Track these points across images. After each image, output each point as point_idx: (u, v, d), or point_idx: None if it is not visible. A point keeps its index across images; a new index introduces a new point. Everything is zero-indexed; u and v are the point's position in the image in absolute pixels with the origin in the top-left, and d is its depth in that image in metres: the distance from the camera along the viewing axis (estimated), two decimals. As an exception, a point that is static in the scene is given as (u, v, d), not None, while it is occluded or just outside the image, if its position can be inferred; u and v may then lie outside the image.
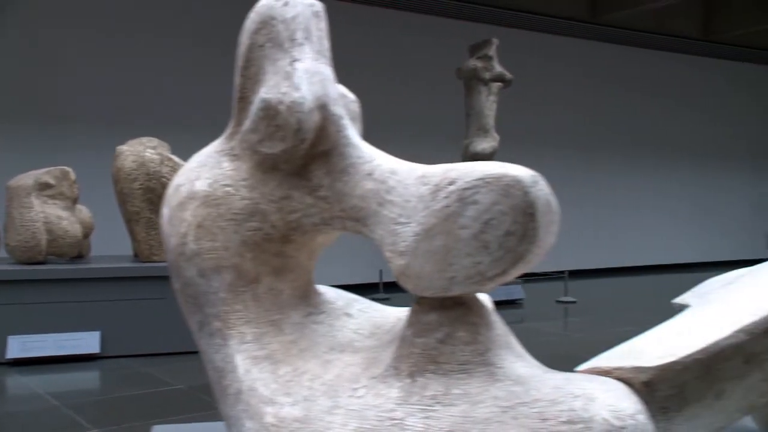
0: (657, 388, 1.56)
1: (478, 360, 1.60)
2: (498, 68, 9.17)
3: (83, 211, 6.47)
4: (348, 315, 1.99)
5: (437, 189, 1.60)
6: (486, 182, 1.55)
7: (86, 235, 6.47)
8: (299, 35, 1.80)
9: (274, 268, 1.85)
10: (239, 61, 1.83)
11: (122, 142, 6.24)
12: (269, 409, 1.65)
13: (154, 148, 6.13)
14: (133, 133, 6.48)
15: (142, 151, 6.07)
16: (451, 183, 1.59)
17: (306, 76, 1.76)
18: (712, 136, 14.81)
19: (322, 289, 2.05)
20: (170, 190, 1.87)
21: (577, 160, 12.79)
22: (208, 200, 1.79)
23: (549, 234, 1.59)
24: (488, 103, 9.17)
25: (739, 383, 1.65)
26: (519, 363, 1.63)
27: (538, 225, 1.53)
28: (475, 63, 9.13)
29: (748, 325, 1.62)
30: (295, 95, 1.72)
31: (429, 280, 1.59)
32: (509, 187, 1.53)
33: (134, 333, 5.80)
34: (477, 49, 9.25)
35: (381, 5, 10.90)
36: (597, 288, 11.26)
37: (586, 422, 1.44)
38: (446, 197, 1.58)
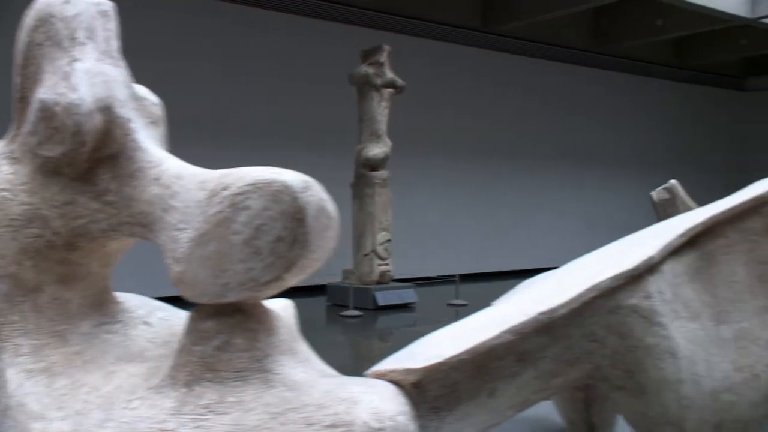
0: (427, 389, 1.58)
1: (256, 367, 1.58)
2: (389, 74, 9.25)
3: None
4: (147, 323, 1.93)
5: (212, 194, 1.58)
6: (257, 188, 1.54)
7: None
8: (81, 34, 1.73)
9: (60, 277, 1.77)
10: (17, 59, 1.75)
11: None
12: (37, 425, 1.58)
13: None
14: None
15: None
16: (224, 188, 1.57)
17: (86, 76, 1.69)
18: (603, 143, 15.46)
19: (124, 297, 1.98)
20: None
21: (469, 166, 13.05)
22: (-18, 205, 1.70)
23: (324, 239, 1.59)
24: (380, 108, 9.24)
25: (513, 381, 1.70)
26: (299, 368, 1.62)
27: (309, 231, 1.52)
28: (366, 69, 9.18)
29: (515, 326, 1.67)
30: (72, 96, 1.66)
31: (204, 286, 1.56)
32: (279, 193, 1.52)
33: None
34: (369, 55, 9.30)
35: (272, 9, 10.78)
36: (488, 291, 11.49)
37: (347, 425, 1.45)
38: (220, 202, 1.56)
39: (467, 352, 1.61)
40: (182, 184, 1.68)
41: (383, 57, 9.19)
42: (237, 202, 1.54)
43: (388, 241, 9.37)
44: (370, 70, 9.15)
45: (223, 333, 1.60)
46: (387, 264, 9.34)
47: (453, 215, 12.56)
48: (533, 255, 14.05)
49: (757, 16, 12.33)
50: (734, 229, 1.89)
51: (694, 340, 1.81)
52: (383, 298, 9.05)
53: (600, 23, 14.50)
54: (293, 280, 1.60)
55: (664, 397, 1.78)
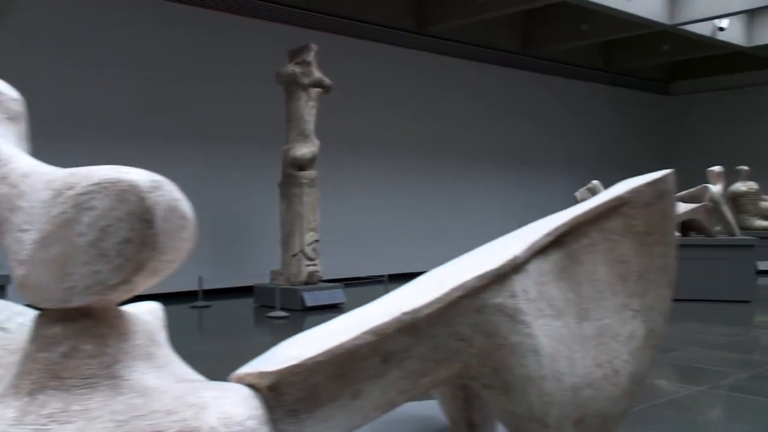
0: (284, 392, 1.56)
1: (104, 373, 1.53)
2: (317, 74, 9.21)
3: None
4: (3, 329, 1.85)
5: (57, 194, 1.51)
6: (102, 187, 1.49)
7: None
8: None
9: None
10: None
11: None
12: None
13: None
14: None
15: None
16: (69, 188, 1.51)
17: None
18: (534, 144, 15.77)
19: (-18, 302, 1.90)
20: None
21: (399, 166, 13.10)
22: None
23: (178, 240, 1.55)
24: (308, 108, 9.19)
25: (378, 382, 1.70)
26: (152, 374, 1.58)
27: (158, 232, 1.48)
28: (293, 68, 9.11)
29: (376, 326, 1.67)
30: None
31: (48, 290, 1.50)
32: (125, 193, 1.47)
33: None
34: (296, 54, 9.23)
35: (196, 5, 10.58)
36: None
37: (194, 431, 1.42)
38: (63, 203, 1.49)
39: (325, 353, 1.59)
40: (30, 183, 1.61)
41: (310, 56, 9.14)
42: (81, 202, 1.49)
43: (317, 241, 9.32)
44: (297, 70, 9.08)
45: (70, 339, 1.55)
46: (315, 264, 9.30)
47: (382, 215, 12.59)
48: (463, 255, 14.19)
49: (675, 22, 12.78)
50: (597, 228, 1.94)
51: (557, 338, 1.84)
52: (311, 298, 9.00)
53: (529, 27, 14.78)
54: (145, 284, 1.55)
55: (528, 393, 1.80)
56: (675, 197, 1.99)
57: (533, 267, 1.87)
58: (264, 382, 1.54)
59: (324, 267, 9.55)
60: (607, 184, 12.65)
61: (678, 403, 4.71)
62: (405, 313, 1.70)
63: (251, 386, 1.57)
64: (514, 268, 1.84)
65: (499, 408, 1.88)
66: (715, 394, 4.93)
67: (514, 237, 2.06)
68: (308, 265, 9.22)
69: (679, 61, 17.83)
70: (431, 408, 2.41)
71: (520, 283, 1.83)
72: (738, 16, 13.74)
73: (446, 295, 1.76)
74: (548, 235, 1.91)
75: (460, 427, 2.24)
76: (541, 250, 1.90)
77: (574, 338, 1.85)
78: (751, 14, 14.04)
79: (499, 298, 1.80)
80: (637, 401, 2.05)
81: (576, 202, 10.91)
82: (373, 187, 12.62)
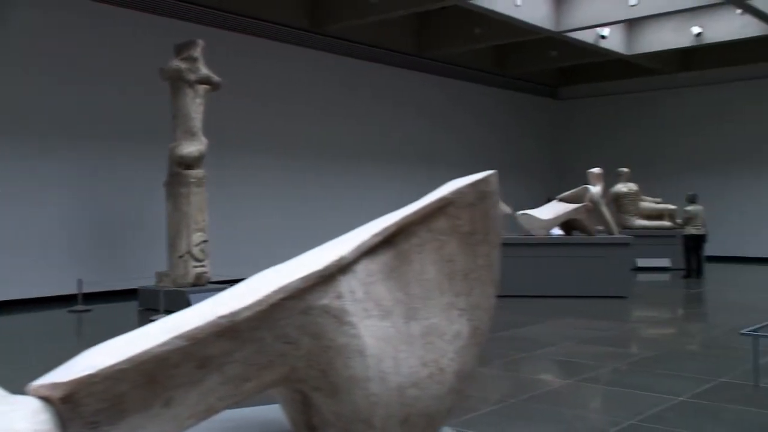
0: (81, 403, 1.48)
1: None
2: (204, 70, 8.97)
3: None
4: None
5: None
6: None
7: None
8: None
9: None
10: None
11: None
12: None
13: None
14: None
15: None
16: None
17: None
18: (430, 144, 16.01)
19: None
20: None
21: (289, 166, 12.87)
22: None
23: None
24: (194, 105, 8.93)
25: (193, 389, 1.64)
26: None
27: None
28: (179, 64, 8.84)
29: (189, 331, 1.62)
30: None
31: None
32: None
33: None
34: (182, 49, 8.96)
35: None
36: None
37: (-28, 449, 1.32)
38: None
39: (127, 361, 1.52)
40: None
41: (197, 52, 8.90)
42: None
43: (205, 242, 9.09)
44: (183, 65, 8.82)
45: None
46: (203, 266, 9.06)
47: (273, 215, 12.44)
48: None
49: (561, 29, 13.31)
50: (425, 228, 1.96)
51: (383, 338, 1.85)
52: (198, 300, 8.73)
53: (424, 29, 15.01)
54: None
55: (354, 395, 1.80)
56: (497, 198, 2.04)
57: (361, 267, 1.87)
58: (56, 394, 1.46)
59: (213, 268, 9.32)
60: (508, 183, 12.98)
61: (549, 396, 4.88)
62: (221, 317, 1.66)
63: (44, 398, 1.48)
64: (340, 269, 1.83)
65: (327, 410, 1.87)
66: (584, 387, 5.15)
67: (345, 238, 2.06)
68: (196, 267, 8.98)
69: (567, 67, 18.59)
70: (274, 412, 2.38)
71: (347, 283, 1.83)
72: (618, 25, 14.46)
73: (268, 297, 1.72)
74: (377, 235, 1.92)
75: (300, 431, 2.21)
76: (370, 250, 1.90)
77: (401, 338, 1.86)
78: (631, 24, 14.82)
79: (325, 299, 1.79)
80: (462, 399, 2.09)
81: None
82: (264, 187, 12.43)
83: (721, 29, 14.03)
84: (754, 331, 5.14)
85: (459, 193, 1.97)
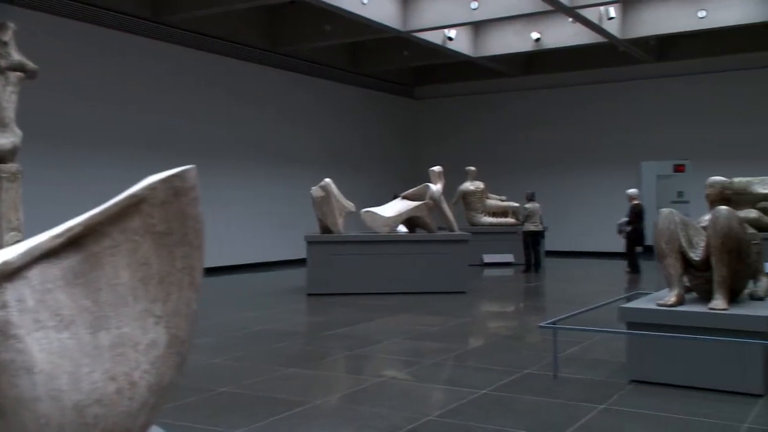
0: None
1: None
2: (16, 56, 8.24)
3: None
4: None
5: None
6: None
7: None
8: None
9: None
10: None
11: None
12: None
13: None
14: None
15: None
16: None
17: None
18: (289, 142, 15.75)
19: None
20: None
21: (125, 164, 12.08)
22: None
23: None
24: (5, 94, 8.17)
25: None
26: None
27: None
28: (-13, 48, 8.07)
29: None
30: None
31: None
32: None
33: None
34: (-8, 32, 8.19)
35: None
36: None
37: None
38: None
39: None
40: None
41: (7, 36, 8.14)
42: None
43: (19, 242, 8.36)
44: (-8, 50, 8.06)
45: None
46: (18, 268, 8.34)
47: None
48: (220, 253, 13.83)
49: (408, 29, 13.51)
50: (118, 229, 1.80)
51: (58, 352, 1.67)
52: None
53: (275, 24, 14.75)
54: None
55: (22, 416, 1.61)
56: (197, 195, 1.91)
57: (36, 273, 1.68)
58: None
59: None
60: (365, 181, 12.98)
61: (355, 395, 4.85)
62: None
63: None
64: (6, 276, 1.63)
65: (-3, 434, 1.66)
66: (393, 383, 5.16)
67: (29, 241, 1.85)
68: (10, 270, 8.25)
69: (421, 67, 18.97)
70: None
71: (15, 292, 1.63)
72: (465, 28, 14.90)
73: None
74: (57, 237, 1.73)
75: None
76: (50, 253, 1.71)
77: (84, 350, 1.69)
78: (476, 27, 15.31)
79: (-16, 310, 1.59)
80: (159, 411, 1.94)
81: (311, 199, 11.08)
82: (87, 184, 11.55)
83: (558, 36, 14.80)
84: (553, 323, 5.38)
85: (150, 189, 1.82)
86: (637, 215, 13.03)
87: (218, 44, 13.95)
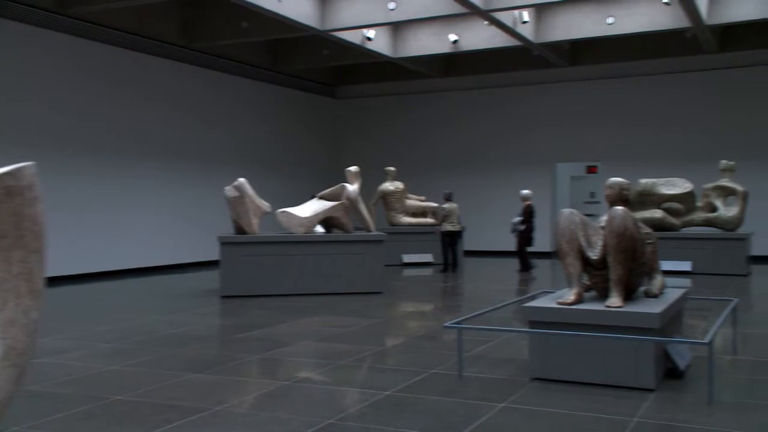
0: None
1: None
2: None
3: None
4: None
5: None
6: None
7: None
8: None
9: None
10: None
11: None
12: None
13: None
14: None
15: None
16: None
17: None
18: (200, 140, 15.36)
19: None
20: None
21: (43, 162, 11.67)
22: None
23: None
24: None
25: None
26: None
27: None
28: None
29: None
30: None
31: None
32: None
33: None
34: None
35: None
36: (80, 294, 10.52)
37: None
38: None
39: None
40: None
41: None
42: None
43: None
44: None
45: None
46: None
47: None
48: (127, 255, 13.40)
49: (326, 28, 13.41)
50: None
51: None
52: None
53: (188, 19, 14.37)
54: None
55: None
56: (35, 195, 1.78)
57: None
58: None
59: None
60: (285, 182, 12.81)
61: (256, 400, 4.74)
62: None
63: None
64: None
65: None
66: (298, 387, 5.07)
67: None
68: None
69: (342, 67, 18.90)
70: None
71: None
72: (384, 28, 14.91)
73: None
74: None
75: None
76: None
77: None
78: (395, 28, 15.36)
79: None
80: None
81: (226, 199, 10.82)
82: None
83: (474, 38, 15.01)
84: (458, 323, 5.41)
85: (-22, 189, 1.68)
86: (529, 215, 13.61)
87: (128, 38, 13.47)
